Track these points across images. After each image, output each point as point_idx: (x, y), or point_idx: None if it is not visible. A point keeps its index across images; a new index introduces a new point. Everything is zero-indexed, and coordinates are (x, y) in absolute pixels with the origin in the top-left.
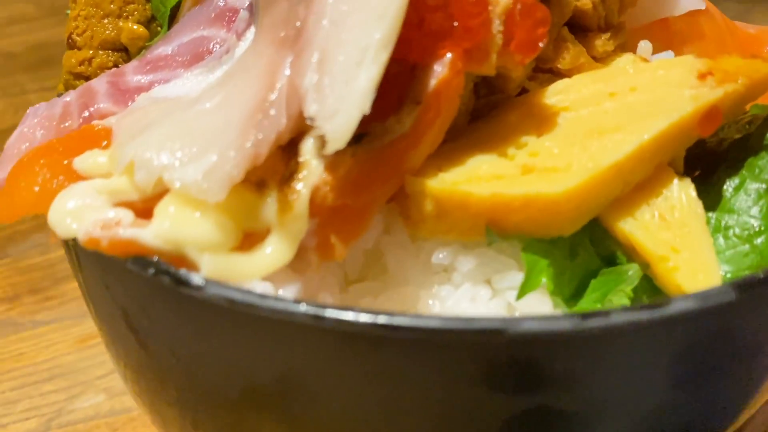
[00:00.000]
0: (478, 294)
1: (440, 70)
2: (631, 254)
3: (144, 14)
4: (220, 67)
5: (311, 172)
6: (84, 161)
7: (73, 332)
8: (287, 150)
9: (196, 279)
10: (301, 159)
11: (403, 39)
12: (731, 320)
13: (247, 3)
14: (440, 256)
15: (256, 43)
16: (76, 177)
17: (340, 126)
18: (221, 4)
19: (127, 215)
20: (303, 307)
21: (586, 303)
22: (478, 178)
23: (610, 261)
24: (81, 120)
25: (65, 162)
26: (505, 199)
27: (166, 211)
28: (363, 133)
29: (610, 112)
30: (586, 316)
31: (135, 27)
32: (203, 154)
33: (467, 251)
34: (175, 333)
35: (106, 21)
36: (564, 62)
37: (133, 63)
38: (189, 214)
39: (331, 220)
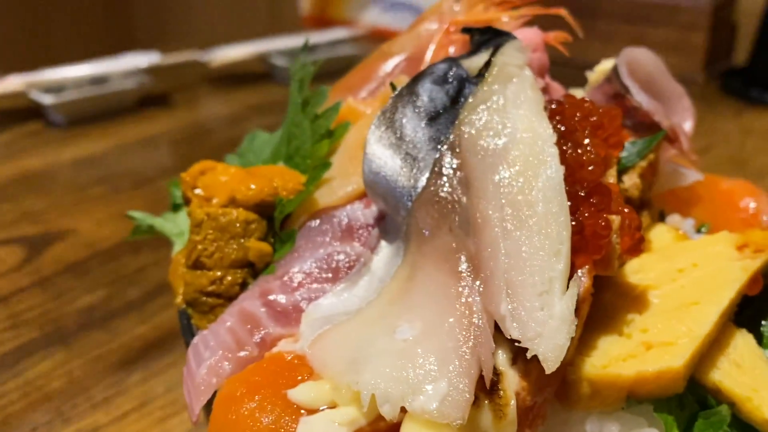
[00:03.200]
0: None
1: (583, 279)
2: (718, 396)
3: (262, 231)
4: (360, 279)
5: (510, 381)
6: (303, 393)
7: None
8: None
9: None
10: (500, 369)
11: None
12: None
13: (370, 219)
14: (591, 426)
15: (413, 268)
16: (293, 410)
17: (553, 349)
18: (345, 220)
19: None
20: None
21: None
22: (617, 359)
23: (702, 404)
24: (257, 347)
25: (278, 395)
26: (645, 375)
27: None
28: None
29: (686, 287)
30: None
31: (262, 245)
32: (435, 383)
33: (609, 416)
34: None
35: (232, 241)
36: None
37: (275, 282)
38: None
39: (525, 418)
